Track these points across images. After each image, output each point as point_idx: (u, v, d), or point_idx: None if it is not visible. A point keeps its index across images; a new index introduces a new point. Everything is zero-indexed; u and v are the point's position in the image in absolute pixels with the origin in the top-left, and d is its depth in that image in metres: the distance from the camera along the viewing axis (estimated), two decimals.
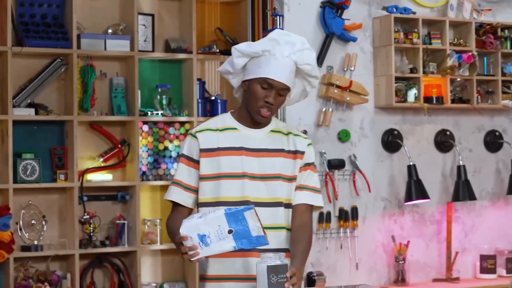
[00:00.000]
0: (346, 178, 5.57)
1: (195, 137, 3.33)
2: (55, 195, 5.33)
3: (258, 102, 3.27)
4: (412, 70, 5.62)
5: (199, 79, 5.63)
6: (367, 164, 5.63)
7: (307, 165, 3.39)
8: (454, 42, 5.80)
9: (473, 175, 5.95)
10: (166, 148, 5.50)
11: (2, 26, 5.12)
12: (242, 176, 3.29)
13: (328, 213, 5.47)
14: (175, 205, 3.37)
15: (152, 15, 5.57)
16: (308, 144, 3.42)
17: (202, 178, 3.31)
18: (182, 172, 3.35)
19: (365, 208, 5.63)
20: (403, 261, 5.60)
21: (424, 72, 5.62)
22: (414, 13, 5.70)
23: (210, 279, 3.32)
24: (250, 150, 3.32)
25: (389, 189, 5.72)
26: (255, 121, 3.34)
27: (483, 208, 6.04)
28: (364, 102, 5.57)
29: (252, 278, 3.17)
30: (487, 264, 5.88)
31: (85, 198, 5.30)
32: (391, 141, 5.71)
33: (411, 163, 5.60)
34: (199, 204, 3.34)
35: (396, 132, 5.72)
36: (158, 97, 5.51)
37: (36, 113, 5.17)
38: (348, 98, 5.50)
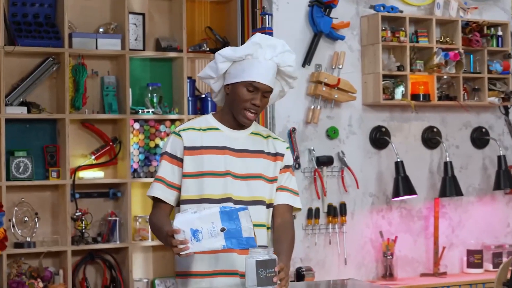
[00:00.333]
0: (334, 174, 5.60)
1: (179, 135, 3.34)
2: (47, 192, 5.36)
3: (244, 105, 3.30)
4: (399, 68, 5.64)
5: (189, 78, 5.65)
6: (355, 160, 5.66)
7: (287, 167, 3.44)
8: (440, 40, 5.82)
9: (460, 171, 5.98)
10: (157, 146, 5.54)
11: None
12: (225, 174, 3.31)
13: (317, 209, 5.51)
14: (157, 201, 3.35)
15: (143, 14, 5.60)
16: (287, 148, 3.47)
17: (185, 175, 3.31)
18: (165, 169, 3.34)
19: (353, 204, 5.66)
20: (391, 256, 5.62)
21: (411, 70, 5.64)
22: (401, 11, 5.73)
23: (195, 275, 3.30)
24: (233, 150, 3.34)
25: (377, 185, 5.74)
26: (237, 123, 3.37)
27: (469, 204, 6.06)
28: (352, 99, 5.59)
29: (236, 273, 3.23)
30: (474, 259, 5.90)
31: (77, 195, 5.33)
32: (379, 138, 5.73)
33: (398, 160, 5.62)
34: (181, 201, 3.33)
35: (383, 129, 5.74)
36: (149, 95, 5.54)
37: (29, 111, 5.20)
38: (336, 96, 5.52)
